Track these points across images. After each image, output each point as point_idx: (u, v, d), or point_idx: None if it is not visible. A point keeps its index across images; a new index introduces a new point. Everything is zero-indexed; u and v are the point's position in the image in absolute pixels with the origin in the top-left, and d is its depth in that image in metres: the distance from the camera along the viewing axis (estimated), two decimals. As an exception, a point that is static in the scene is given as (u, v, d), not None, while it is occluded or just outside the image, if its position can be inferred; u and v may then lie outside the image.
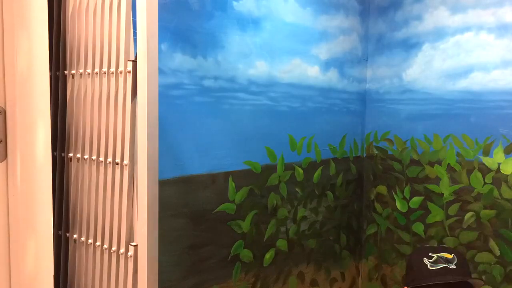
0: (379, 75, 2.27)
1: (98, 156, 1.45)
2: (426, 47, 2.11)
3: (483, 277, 1.98)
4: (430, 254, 1.36)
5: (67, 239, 1.57)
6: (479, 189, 1.98)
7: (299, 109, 1.96)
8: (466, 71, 2.00)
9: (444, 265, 1.32)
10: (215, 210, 1.67)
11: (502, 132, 1.91)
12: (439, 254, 1.35)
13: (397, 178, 2.23)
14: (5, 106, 1.01)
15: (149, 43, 1.29)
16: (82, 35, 1.48)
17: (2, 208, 1.04)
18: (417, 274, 1.35)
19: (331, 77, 2.11)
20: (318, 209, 2.10)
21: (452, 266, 1.32)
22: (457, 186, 2.04)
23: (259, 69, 1.78)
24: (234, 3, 1.67)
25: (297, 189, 1.98)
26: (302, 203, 2.01)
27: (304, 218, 2.03)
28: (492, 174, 1.94)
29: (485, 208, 1.97)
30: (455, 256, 1.35)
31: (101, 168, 1.45)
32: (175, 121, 1.52)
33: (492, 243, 1.95)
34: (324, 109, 2.10)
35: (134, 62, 1.34)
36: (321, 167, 2.10)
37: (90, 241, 1.49)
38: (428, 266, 1.33)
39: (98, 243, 1.47)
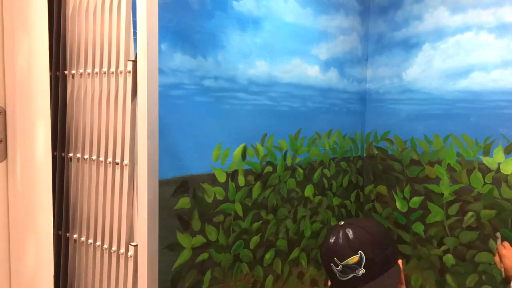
0: (379, 75, 2.27)
1: (98, 156, 1.45)
2: (426, 47, 2.11)
3: (483, 277, 1.98)
4: (336, 260, 1.21)
5: (67, 239, 1.57)
6: (479, 189, 1.98)
7: (299, 109, 1.96)
8: (466, 71, 2.00)
9: (352, 275, 1.19)
10: (215, 210, 1.67)
11: (502, 132, 1.91)
12: (343, 263, 1.19)
13: (397, 178, 2.23)
14: (5, 106, 1.01)
15: (149, 43, 1.29)
16: (82, 35, 1.48)
17: (2, 208, 1.04)
18: (332, 280, 1.24)
19: (331, 77, 2.11)
20: (318, 209, 2.10)
21: (361, 271, 1.19)
22: (457, 186, 2.04)
23: (259, 69, 1.78)
24: (234, 3, 1.67)
25: (297, 189, 1.98)
26: (302, 203, 2.01)
27: (304, 218, 2.03)
28: (492, 174, 1.94)
29: (485, 208, 1.97)
30: (362, 256, 1.20)
31: (101, 168, 1.45)
32: (175, 121, 1.52)
33: (492, 243, 1.95)
34: (324, 109, 2.10)
35: (134, 62, 1.34)
36: (321, 167, 2.10)
37: (90, 241, 1.49)
38: (337, 275, 1.21)
39: (98, 243, 1.47)
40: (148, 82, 1.30)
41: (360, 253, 1.20)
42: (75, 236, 1.53)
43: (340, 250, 1.22)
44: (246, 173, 1.77)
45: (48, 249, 1.10)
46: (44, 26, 1.03)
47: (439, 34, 2.07)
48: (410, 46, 2.16)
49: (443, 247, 2.09)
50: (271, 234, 1.89)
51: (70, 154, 1.54)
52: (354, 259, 1.20)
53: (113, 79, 1.40)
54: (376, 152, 2.30)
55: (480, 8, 1.95)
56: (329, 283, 1.27)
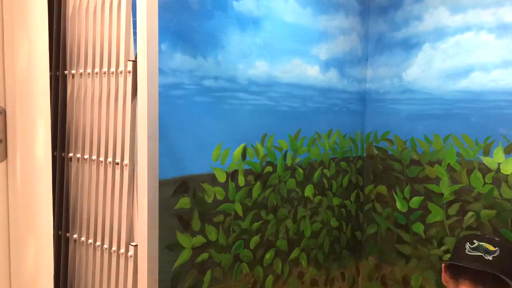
0: (379, 75, 2.27)
1: (98, 156, 1.45)
2: (426, 47, 2.11)
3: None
4: (475, 240, 1.47)
5: (67, 239, 1.57)
6: (479, 189, 1.98)
7: (299, 109, 1.96)
8: (466, 71, 2.00)
9: (481, 254, 1.43)
10: (215, 210, 1.67)
11: (502, 132, 1.91)
12: (481, 243, 1.45)
13: (397, 178, 2.23)
14: (5, 106, 1.01)
15: (149, 43, 1.30)
16: (82, 35, 1.48)
17: (2, 208, 1.04)
18: (455, 254, 1.50)
19: (331, 77, 2.11)
20: (318, 209, 2.10)
21: (489, 257, 1.42)
22: (457, 186, 2.04)
23: (259, 69, 1.78)
24: (234, 3, 1.67)
25: (297, 189, 1.98)
26: (302, 203, 2.01)
27: (304, 218, 2.03)
28: (492, 174, 1.94)
29: (485, 208, 1.97)
30: (498, 250, 1.43)
31: (101, 168, 1.45)
32: (175, 121, 1.52)
33: (492, 243, 1.95)
34: (324, 109, 2.10)
35: (134, 62, 1.34)
36: (321, 167, 2.10)
37: (90, 241, 1.49)
38: (466, 250, 1.46)
39: (98, 243, 1.47)
40: (148, 82, 1.30)
41: (497, 248, 1.45)
42: (75, 236, 1.53)
43: (484, 238, 1.50)
44: (246, 173, 1.77)
45: (48, 249, 1.10)
46: (44, 26, 1.03)
47: (439, 34, 2.07)
48: (410, 46, 2.16)
49: (443, 247, 2.09)
50: (271, 234, 1.89)
51: (70, 154, 1.54)
52: (491, 247, 1.45)
53: (113, 79, 1.40)
54: (376, 152, 2.30)
55: (480, 8, 1.95)
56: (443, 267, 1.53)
